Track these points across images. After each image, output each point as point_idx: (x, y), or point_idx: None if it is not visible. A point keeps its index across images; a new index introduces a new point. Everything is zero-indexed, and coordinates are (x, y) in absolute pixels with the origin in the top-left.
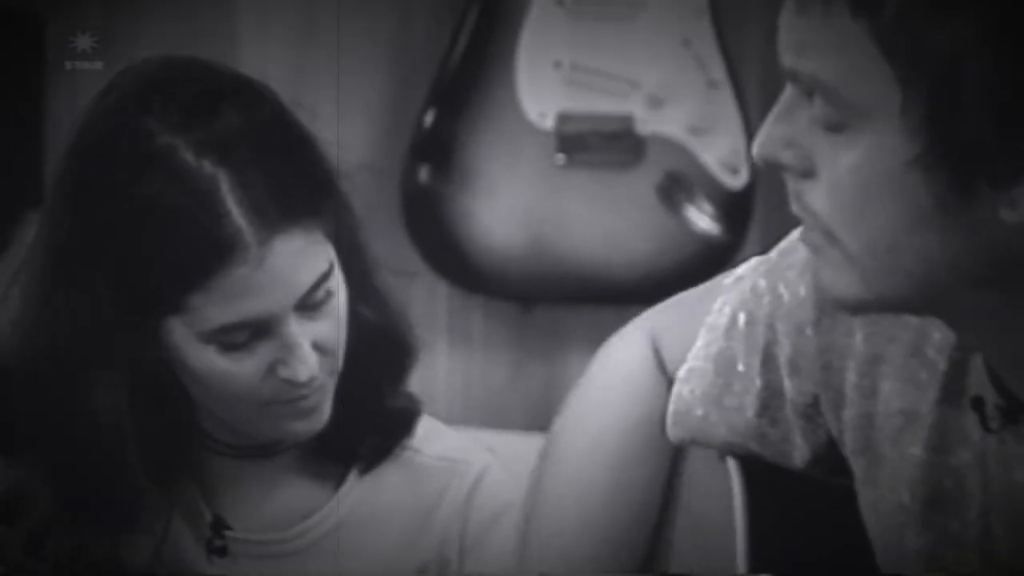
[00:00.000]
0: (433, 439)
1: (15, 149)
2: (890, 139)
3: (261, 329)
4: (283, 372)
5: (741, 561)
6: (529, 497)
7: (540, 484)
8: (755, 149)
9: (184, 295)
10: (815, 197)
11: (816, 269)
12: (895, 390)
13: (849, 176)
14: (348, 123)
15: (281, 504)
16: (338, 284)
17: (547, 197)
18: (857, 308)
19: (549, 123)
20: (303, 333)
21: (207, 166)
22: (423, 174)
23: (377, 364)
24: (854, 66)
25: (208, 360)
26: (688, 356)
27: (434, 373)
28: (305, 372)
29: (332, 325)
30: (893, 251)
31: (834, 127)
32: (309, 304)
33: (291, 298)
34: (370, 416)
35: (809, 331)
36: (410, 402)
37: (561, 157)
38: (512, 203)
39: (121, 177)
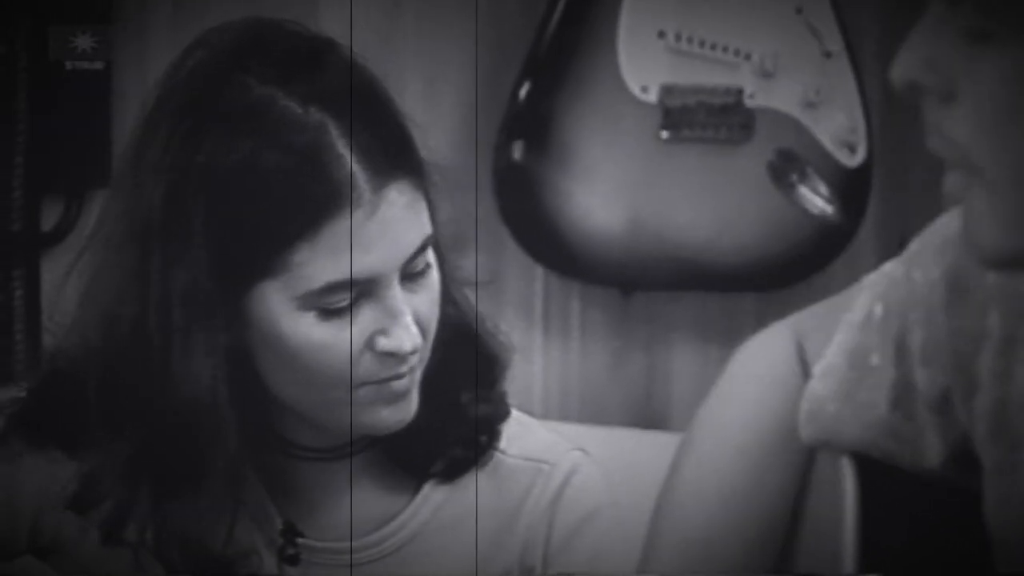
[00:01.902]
0: (519, 437)
1: (81, 128)
2: None
3: (365, 291)
4: (384, 344)
5: (849, 562)
6: (662, 495)
7: (674, 483)
8: (893, 71)
9: (289, 250)
10: (956, 123)
11: (962, 217)
12: None
13: (993, 93)
14: (436, 100)
15: (355, 510)
16: (434, 260)
17: (650, 176)
18: (996, 257)
19: (652, 97)
20: (405, 302)
21: (313, 112)
22: (517, 151)
23: (460, 370)
24: None
25: (305, 330)
26: (825, 353)
27: (528, 364)
28: (409, 342)
29: (429, 302)
30: None
31: (981, 36)
32: (411, 271)
33: (399, 257)
34: (450, 426)
35: (940, 316)
36: (497, 407)
37: (665, 133)
38: (612, 182)
39: (217, 133)
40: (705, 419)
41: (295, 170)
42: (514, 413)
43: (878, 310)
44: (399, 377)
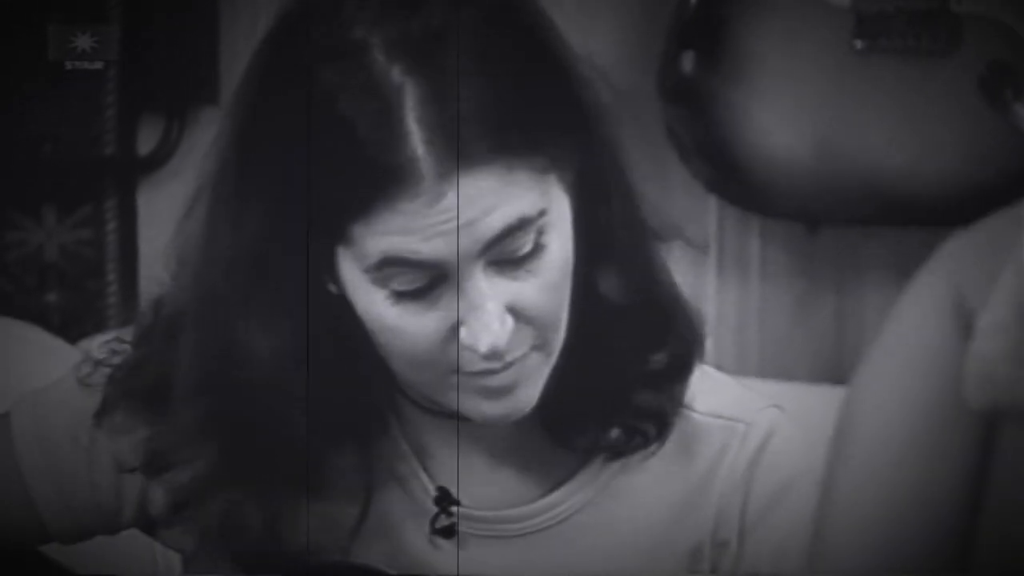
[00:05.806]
0: (706, 392)
1: (189, 42)
2: None
3: (441, 277)
4: (462, 337)
5: None
6: (822, 484)
7: (832, 471)
8: None
9: (346, 221)
10: None
11: None
12: None
13: None
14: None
15: (518, 474)
16: (561, 238)
17: (841, 92)
18: None
19: (845, 1)
20: (495, 293)
21: (396, 74)
22: (687, 63)
23: (630, 345)
24: None
25: (379, 310)
26: (990, 301)
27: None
28: (487, 340)
29: (543, 288)
30: None
31: None
32: (506, 258)
33: (474, 246)
34: (614, 409)
35: None
36: (670, 398)
37: (859, 42)
38: (797, 99)
39: (310, 62)
40: (861, 398)
41: (361, 133)
42: (701, 367)
43: None
44: (493, 372)
